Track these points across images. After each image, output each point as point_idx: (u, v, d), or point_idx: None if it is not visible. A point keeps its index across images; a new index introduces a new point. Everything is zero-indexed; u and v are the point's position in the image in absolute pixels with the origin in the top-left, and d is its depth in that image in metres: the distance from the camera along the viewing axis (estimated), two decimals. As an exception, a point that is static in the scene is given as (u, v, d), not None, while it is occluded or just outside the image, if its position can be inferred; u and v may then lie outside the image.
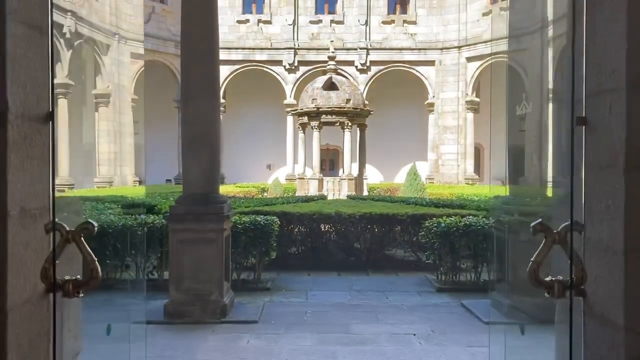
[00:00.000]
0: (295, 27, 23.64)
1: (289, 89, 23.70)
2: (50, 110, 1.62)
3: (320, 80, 14.28)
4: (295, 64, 23.55)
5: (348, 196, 12.21)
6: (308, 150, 15.30)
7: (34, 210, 1.62)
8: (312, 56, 23.43)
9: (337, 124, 14.00)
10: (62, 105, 17.84)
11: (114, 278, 5.96)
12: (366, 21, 23.64)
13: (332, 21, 23.74)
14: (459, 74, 23.18)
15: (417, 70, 23.74)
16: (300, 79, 23.35)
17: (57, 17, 16.62)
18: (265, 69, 23.80)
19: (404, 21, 23.75)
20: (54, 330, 1.72)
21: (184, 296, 4.93)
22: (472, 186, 19.53)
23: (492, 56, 21.92)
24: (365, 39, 23.59)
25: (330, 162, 26.37)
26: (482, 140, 24.60)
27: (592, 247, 1.74)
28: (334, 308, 5.40)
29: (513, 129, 5.19)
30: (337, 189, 13.84)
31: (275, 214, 7.28)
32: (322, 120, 13.69)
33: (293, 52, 23.46)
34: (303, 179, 14.49)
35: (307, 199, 10.31)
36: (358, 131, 14.51)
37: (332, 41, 21.26)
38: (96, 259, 1.75)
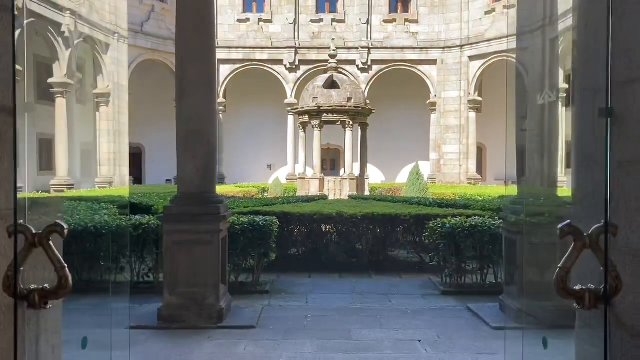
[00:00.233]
0: (296, 26, 23.45)
1: (289, 88, 23.51)
2: (13, 103, 1.47)
3: (321, 78, 14.08)
4: (296, 63, 23.35)
5: (349, 196, 12.00)
6: (309, 150, 15.09)
7: (5, 211, 1.46)
8: (313, 55, 23.23)
9: (339, 122, 13.79)
10: (61, 104, 17.65)
11: (98, 280, 5.76)
12: (367, 20, 23.43)
13: (333, 20, 23.54)
14: (461, 73, 22.97)
15: (418, 70, 23.53)
16: (301, 78, 23.15)
17: (56, 15, 16.43)
18: (265, 68, 23.61)
19: (406, 20, 23.54)
20: (15, 345, 1.51)
21: (178, 300, 4.73)
22: (475, 186, 19.30)
23: (499, 54, 21.69)
24: (367, 38, 23.38)
25: (331, 161, 26.17)
26: (484, 139, 24.38)
27: (620, 252, 1.55)
28: (335, 312, 5.19)
29: (520, 127, 4.97)
30: (338, 189, 13.63)
31: (275, 214, 7.07)
32: (323, 119, 13.49)
33: (294, 51, 23.27)
34: (304, 178, 14.28)
35: (308, 199, 10.11)
36: (359, 130, 14.29)
37: (333, 39, 21.05)
38: (66, 265, 1.55)
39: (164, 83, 21.60)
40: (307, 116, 13.78)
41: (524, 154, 4.93)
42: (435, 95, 23.38)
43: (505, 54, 21.54)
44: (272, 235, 6.20)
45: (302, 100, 14.20)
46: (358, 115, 13.68)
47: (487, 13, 22.27)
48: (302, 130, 14.72)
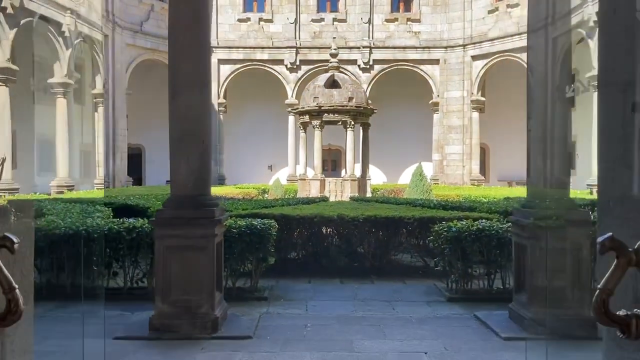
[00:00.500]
0: (297, 25, 23.23)
1: (290, 88, 23.28)
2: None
3: (322, 78, 13.84)
4: (297, 63, 23.12)
5: (351, 197, 11.76)
6: (309, 150, 14.86)
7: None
8: (314, 55, 23.00)
9: (340, 123, 13.55)
10: (61, 104, 17.44)
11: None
12: (369, 19, 23.20)
13: (334, 19, 23.31)
14: (464, 73, 22.72)
15: (421, 69, 23.29)
16: (302, 79, 22.92)
17: (56, 15, 16.23)
18: (266, 68, 23.39)
19: (408, 19, 23.30)
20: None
21: (171, 308, 4.49)
22: (479, 187, 19.04)
23: (502, 53, 21.42)
24: (368, 38, 23.15)
25: (332, 162, 25.94)
26: (487, 140, 24.12)
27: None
28: (336, 321, 4.94)
29: (532, 132, 4.73)
30: (339, 190, 13.38)
31: (274, 217, 6.83)
32: (324, 119, 13.25)
33: (295, 51, 23.04)
34: (304, 179, 14.04)
35: (309, 201, 9.86)
36: (361, 130, 14.05)
37: (334, 38, 20.85)
38: (17, 287, 1.31)
39: (165, 83, 21.18)
40: (307, 116, 13.55)
41: (535, 154, 4.68)
42: (438, 95, 23.13)
43: (509, 53, 21.30)
44: (271, 239, 5.96)
45: (302, 100, 13.97)
46: (359, 115, 13.44)
47: (490, 12, 22.02)
48: (303, 131, 14.49)
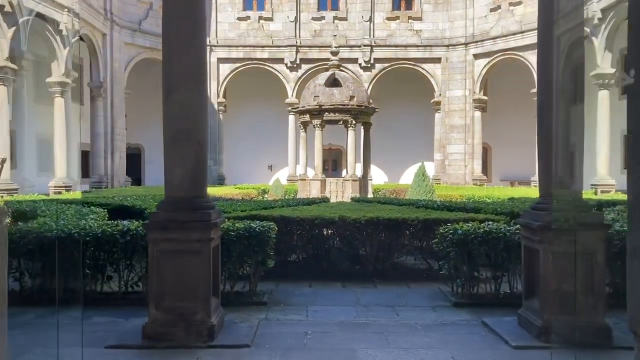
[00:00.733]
0: (297, 24, 23.03)
1: (290, 87, 23.08)
2: None
3: (323, 76, 13.63)
4: (297, 61, 22.92)
5: (352, 198, 11.55)
6: (310, 150, 14.65)
7: None
8: (314, 54, 22.80)
9: (341, 122, 13.34)
10: (59, 104, 17.24)
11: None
12: (370, 17, 23.00)
13: (335, 18, 23.11)
14: (466, 72, 22.52)
15: (422, 68, 23.08)
16: (302, 77, 22.73)
17: (53, 13, 16.01)
18: (266, 67, 23.19)
19: (409, 17, 23.10)
20: None
21: (165, 316, 4.28)
22: (482, 187, 18.82)
23: (504, 52, 21.20)
24: (369, 36, 22.95)
25: (332, 162, 25.74)
26: (489, 139, 23.91)
27: None
28: (338, 328, 4.73)
29: (543, 124, 4.52)
30: (340, 191, 13.18)
31: (273, 218, 6.63)
32: (324, 118, 13.05)
33: (295, 50, 22.84)
34: (305, 179, 13.83)
35: (309, 202, 9.66)
36: (362, 130, 13.85)
37: (335, 35, 20.66)
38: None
39: (163, 82, 21.19)
40: (308, 115, 13.34)
41: (546, 154, 4.47)
42: (440, 94, 22.93)
43: (512, 51, 21.08)
44: (270, 242, 5.75)
45: (303, 99, 13.77)
46: (361, 114, 13.24)
47: (492, 10, 21.81)
48: (303, 130, 14.28)
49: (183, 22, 4.40)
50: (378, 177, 22.92)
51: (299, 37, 22.99)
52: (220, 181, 22.62)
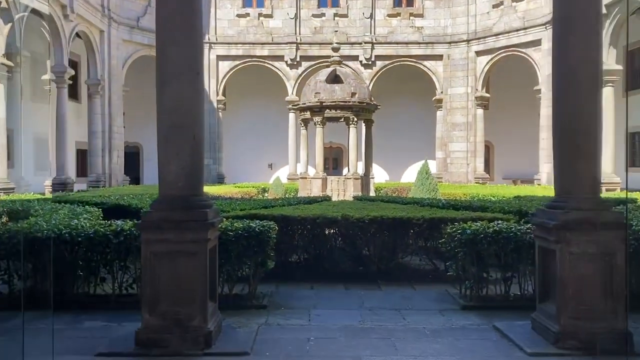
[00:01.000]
0: (297, 21, 22.77)
1: (290, 85, 22.82)
2: None
3: (324, 72, 13.38)
4: (297, 59, 22.67)
5: (354, 197, 11.30)
6: (311, 148, 14.41)
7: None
8: (314, 51, 22.54)
9: (342, 119, 13.10)
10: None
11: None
12: (371, 14, 22.74)
13: (335, 14, 22.85)
14: (468, 69, 22.26)
15: (424, 65, 22.83)
16: (303, 75, 22.48)
17: (47, 8, 15.75)
18: (266, 64, 22.93)
19: (411, 14, 22.84)
20: None
21: (159, 321, 4.04)
22: (486, 186, 18.56)
23: (507, 49, 20.89)
24: (370, 33, 22.69)
25: (333, 160, 25.50)
26: (491, 137, 23.66)
27: None
28: (342, 333, 4.49)
29: (560, 117, 4.26)
30: (342, 189, 12.94)
31: (273, 218, 6.39)
32: (325, 115, 12.80)
33: (295, 47, 22.58)
34: (305, 178, 13.58)
35: (310, 200, 9.41)
36: (364, 127, 13.60)
37: (336, 31, 20.41)
38: None
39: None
40: (308, 112, 13.10)
41: (563, 149, 4.22)
42: (441, 92, 22.68)
43: (514, 48, 20.81)
44: (270, 243, 5.51)
45: (303, 96, 13.52)
46: (362, 112, 12.99)
47: (494, 6, 21.55)
48: (304, 128, 14.03)
49: (178, 10, 4.15)
50: (379, 175, 22.66)
51: (299, 34, 22.73)
52: (220, 180, 22.37)
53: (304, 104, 13.11)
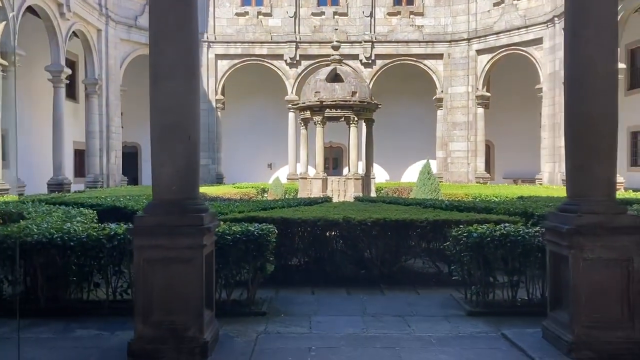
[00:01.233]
0: (297, 19, 22.57)
1: (290, 84, 22.63)
2: None
3: (324, 71, 13.19)
4: (297, 58, 22.47)
5: (355, 198, 11.11)
6: (311, 148, 14.22)
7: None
8: (314, 50, 22.36)
9: (342, 118, 12.91)
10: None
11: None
12: (371, 13, 22.55)
13: (335, 13, 22.65)
14: (469, 68, 22.08)
15: (424, 64, 22.65)
16: (302, 74, 22.29)
17: (44, 6, 15.55)
18: (265, 63, 22.73)
19: (411, 12, 22.65)
20: None
21: (153, 331, 3.85)
22: (488, 186, 18.37)
23: (508, 47, 20.69)
24: (370, 32, 22.51)
25: (333, 160, 25.32)
26: (492, 137, 23.48)
27: None
28: (345, 342, 4.30)
29: (572, 114, 4.07)
30: (342, 190, 12.75)
31: (273, 221, 6.19)
32: (325, 114, 12.61)
33: (294, 46, 22.38)
34: (305, 178, 13.39)
35: (310, 202, 9.22)
36: (364, 126, 13.41)
37: (336, 29, 20.22)
38: None
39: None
40: (308, 112, 12.91)
41: (575, 149, 4.03)
42: (442, 91, 22.50)
43: (515, 46, 20.62)
44: (270, 247, 5.32)
45: (303, 95, 13.32)
46: (363, 111, 12.80)
47: (495, 5, 21.37)
48: (304, 127, 13.84)
49: (172, 2, 3.96)
50: (379, 175, 22.47)
51: (299, 32, 22.54)
52: (219, 180, 22.18)
53: (304, 103, 12.92)
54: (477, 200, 10.11)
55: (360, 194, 12.06)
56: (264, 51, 22.51)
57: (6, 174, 14.63)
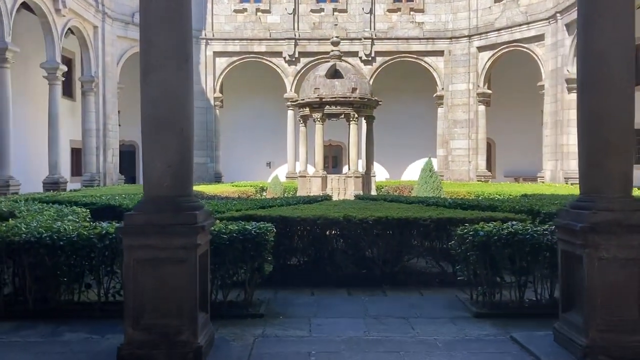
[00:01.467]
0: (296, 16, 22.34)
1: (289, 81, 22.41)
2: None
3: (323, 67, 12.98)
4: (296, 55, 22.25)
5: (356, 196, 10.91)
6: (310, 146, 14.01)
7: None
8: (313, 47, 22.13)
9: (342, 115, 12.70)
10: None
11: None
12: (371, 9, 22.33)
13: (334, 9, 22.43)
14: (470, 65, 21.87)
15: (424, 61, 22.43)
16: (301, 71, 22.06)
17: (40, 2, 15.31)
18: (264, 60, 22.50)
19: (411, 9, 22.43)
20: None
21: (144, 336, 3.65)
22: (490, 184, 18.18)
23: (509, 44, 20.47)
24: (370, 29, 22.28)
25: (333, 159, 25.11)
26: (493, 134, 23.28)
27: None
28: (347, 346, 4.10)
29: (587, 107, 3.87)
30: (342, 188, 12.54)
31: (271, 219, 5.99)
32: (325, 111, 12.40)
33: (293, 43, 22.16)
34: (305, 176, 13.19)
35: (310, 200, 9.02)
36: (365, 124, 13.20)
37: (336, 25, 19.99)
38: None
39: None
40: (308, 109, 12.70)
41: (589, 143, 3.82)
42: (442, 88, 22.28)
43: (517, 43, 20.41)
44: (268, 246, 5.11)
45: (302, 92, 13.11)
46: (363, 107, 12.59)
47: (496, 1, 21.17)
48: (303, 125, 13.63)
49: (163, -10, 3.75)
50: (379, 173, 22.26)
51: (298, 29, 22.31)
52: (217, 179, 21.97)
53: (303, 100, 12.71)
54: (481, 198, 9.91)
55: (361, 193, 11.86)
56: (263, 48, 22.29)
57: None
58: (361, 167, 13.86)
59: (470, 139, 21.94)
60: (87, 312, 5.00)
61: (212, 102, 22.11)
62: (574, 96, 18.44)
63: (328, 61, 13.62)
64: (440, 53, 22.25)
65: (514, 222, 5.28)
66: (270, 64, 22.47)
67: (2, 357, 3.89)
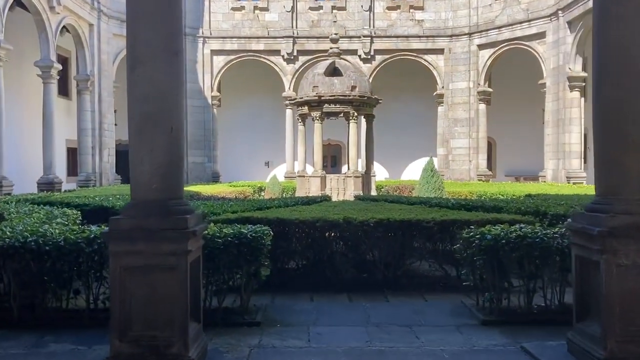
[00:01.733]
0: (294, 14, 22.10)
1: (287, 80, 22.16)
2: None
3: (322, 65, 12.74)
4: (294, 53, 22.00)
5: (356, 196, 10.67)
6: (309, 145, 13.77)
7: None
8: (312, 45, 21.89)
9: (341, 114, 12.46)
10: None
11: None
12: (370, 7, 22.09)
13: (333, 7, 22.19)
14: (470, 63, 21.64)
15: (424, 59, 22.20)
16: (300, 70, 21.82)
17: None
18: (262, 59, 22.25)
19: (411, 6, 22.19)
20: None
21: (131, 348, 3.41)
22: (491, 183, 17.94)
23: (510, 42, 20.23)
24: (369, 26, 22.04)
25: (332, 158, 24.89)
26: (493, 133, 23.06)
27: None
28: (348, 358, 3.86)
29: (603, 102, 3.63)
30: (341, 188, 12.31)
31: (268, 222, 5.75)
32: (324, 110, 12.16)
33: (292, 41, 21.91)
34: (303, 176, 12.95)
35: (309, 201, 8.78)
36: (364, 122, 12.96)
37: (335, 22, 19.76)
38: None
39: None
40: (306, 107, 12.46)
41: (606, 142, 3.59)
42: (443, 87, 22.06)
43: (518, 41, 20.19)
44: (264, 250, 4.88)
45: (301, 90, 12.87)
46: (363, 106, 12.35)
47: (497, -2, 20.92)
48: (302, 123, 13.39)
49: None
50: (379, 173, 22.04)
51: (296, 27, 22.06)
52: (215, 178, 21.73)
53: (302, 98, 12.47)
54: (484, 198, 9.68)
55: (360, 193, 11.63)
56: (261, 47, 22.04)
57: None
58: (361, 166, 13.63)
59: (470, 137, 21.72)
60: (76, 321, 4.75)
61: (209, 101, 21.86)
62: (576, 94, 18.27)
63: (327, 59, 13.39)
64: (440, 51, 22.02)
65: (522, 225, 5.05)
66: (269, 62, 22.23)
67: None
